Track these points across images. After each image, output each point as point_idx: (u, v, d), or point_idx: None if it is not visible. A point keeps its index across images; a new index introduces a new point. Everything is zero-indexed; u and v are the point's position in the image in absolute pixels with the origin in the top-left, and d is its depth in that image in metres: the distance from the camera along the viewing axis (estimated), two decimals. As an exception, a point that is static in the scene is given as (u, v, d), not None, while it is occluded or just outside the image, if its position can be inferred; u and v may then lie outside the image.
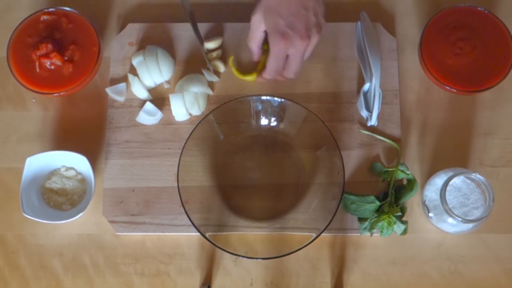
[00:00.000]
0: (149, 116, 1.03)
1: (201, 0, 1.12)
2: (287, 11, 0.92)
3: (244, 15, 1.10)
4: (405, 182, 0.99)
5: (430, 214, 0.96)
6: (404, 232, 0.96)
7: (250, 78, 1.05)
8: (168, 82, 1.07)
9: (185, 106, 1.03)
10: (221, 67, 1.06)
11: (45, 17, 1.04)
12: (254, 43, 1.00)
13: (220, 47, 1.08)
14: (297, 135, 1.02)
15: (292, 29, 0.92)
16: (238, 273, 0.98)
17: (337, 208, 0.93)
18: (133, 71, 1.07)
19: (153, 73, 1.04)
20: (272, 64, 0.97)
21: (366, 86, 1.02)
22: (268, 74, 0.99)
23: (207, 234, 0.93)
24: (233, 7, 1.11)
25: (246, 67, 1.07)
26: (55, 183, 1.01)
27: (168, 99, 1.05)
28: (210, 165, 1.01)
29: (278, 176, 1.02)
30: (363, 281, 0.98)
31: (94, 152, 1.03)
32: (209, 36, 1.08)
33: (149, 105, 1.03)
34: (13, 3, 1.12)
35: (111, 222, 1.00)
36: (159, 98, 1.06)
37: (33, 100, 1.07)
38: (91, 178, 0.98)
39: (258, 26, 0.97)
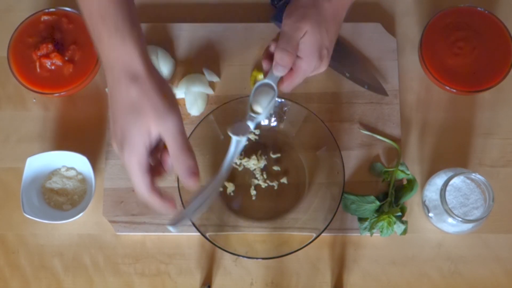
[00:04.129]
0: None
1: (202, 0, 1.12)
2: (332, 34, 0.84)
3: (245, 16, 1.10)
4: (405, 182, 0.99)
5: (430, 214, 0.96)
6: (404, 232, 0.96)
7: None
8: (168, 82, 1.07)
9: (186, 106, 1.03)
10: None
11: (45, 17, 1.04)
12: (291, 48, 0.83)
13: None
14: (297, 135, 1.02)
15: (328, 53, 0.85)
16: (238, 273, 0.98)
17: (337, 208, 0.94)
18: (134, 71, 1.07)
19: (154, 73, 1.04)
20: (300, 79, 0.86)
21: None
22: (291, 87, 0.87)
23: (207, 234, 0.93)
24: (234, 8, 1.11)
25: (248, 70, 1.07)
26: (55, 183, 1.01)
27: (168, 99, 1.05)
28: (210, 165, 1.01)
29: (278, 176, 1.02)
30: (363, 281, 0.98)
31: (95, 152, 1.04)
32: (211, 36, 1.08)
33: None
34: (14, 3, 1.12)
35: (112, 222, 1.00)
36: (159, 98, 1.06)
37: (34, 100, 1.07)
38: (92, 178, 0.98)
39: (298, 31, 0.81)
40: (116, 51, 0.70)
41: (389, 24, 1.09)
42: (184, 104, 1.04)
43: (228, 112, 0.99)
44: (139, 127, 0.70)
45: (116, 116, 0.71)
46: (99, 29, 0.71)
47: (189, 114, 1.04)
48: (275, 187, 1.02)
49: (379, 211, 0.96)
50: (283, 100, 0.99)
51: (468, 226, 0.93)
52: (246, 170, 1.03)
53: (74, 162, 1.01)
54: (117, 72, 0.70)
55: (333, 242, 0.99)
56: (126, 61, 0.70)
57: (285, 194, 1.01)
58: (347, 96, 1.05)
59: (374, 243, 0.99)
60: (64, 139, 1.05)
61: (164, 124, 0.71)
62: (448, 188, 0.93)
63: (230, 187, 1.01)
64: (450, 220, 0.93)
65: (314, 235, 0.93)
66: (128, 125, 0.70)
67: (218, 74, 1.07)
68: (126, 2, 0.73)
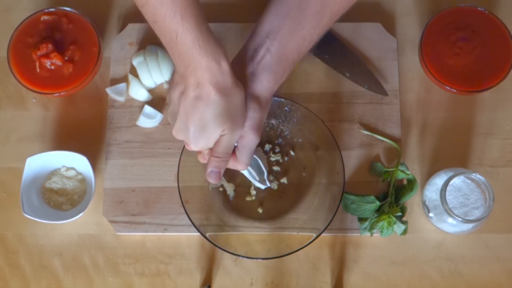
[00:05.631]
0: (149, 119, 1.03)
1: (202, 0, 1.12)
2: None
3: (245, 16, 1.10)
4: (405, 182, 0.99)
5: (430, 214, 0.96)
6: (404, 232, 0.96)
7: None
8: (168, 82, 1.07)
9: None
10: None
11: (45, 17, 1.04)
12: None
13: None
14: (297, 135, 1.02)
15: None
16: (238, 273, 0.98)
17: (337, 208, 0.94)
18: (134, 71, 1.07)
19: (154, 73, 1.04)
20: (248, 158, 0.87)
21: None
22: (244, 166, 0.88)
23: (207, 234, 0.93)
24: (234, 8, 1.11)
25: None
26: (55, 183, 1.01)
27: (168, 99, 1.05)
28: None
29: (278, 176, 1.02)
30: (363, 281, 0.98)
31: (95, 152, 1.04)
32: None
33: (148, 109, 1.03)
34: (14, 3, 1.12)
35: (112, 222, 1.00)
36: (159, 98, 1.06)
37: (33, 100, 1.07)
38: (92, 178, 0.98)
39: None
40: (211, 69, 0.78)
41: (389, 24, 1.09)
42: None
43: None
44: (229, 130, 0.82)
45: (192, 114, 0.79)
46: (186, 48, 0.78)
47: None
48: (275, 187, 1.02)
49: (379, 211, 0.96)
50: (283, 100, 0.99)
51: (468, 226, 0.93)
52: (246, 170, 1.03)
53: (74, 162, 1.01)
54: (205, 84, 0.78)
55: (333, 242, 0.99)
56: (218, 78, 0.78)
57: (285, 194, 1.01)
58: (347, 96, 1.05)
59: (374, 243, 0.99)
60: (64, 139, 1.05)
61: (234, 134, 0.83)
62: (448, 188, 0.93)
63: (230, 187, 1.01)
64: (450, 220, 0.93)
65: (314, 235, 0.93)
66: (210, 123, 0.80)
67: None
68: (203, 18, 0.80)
